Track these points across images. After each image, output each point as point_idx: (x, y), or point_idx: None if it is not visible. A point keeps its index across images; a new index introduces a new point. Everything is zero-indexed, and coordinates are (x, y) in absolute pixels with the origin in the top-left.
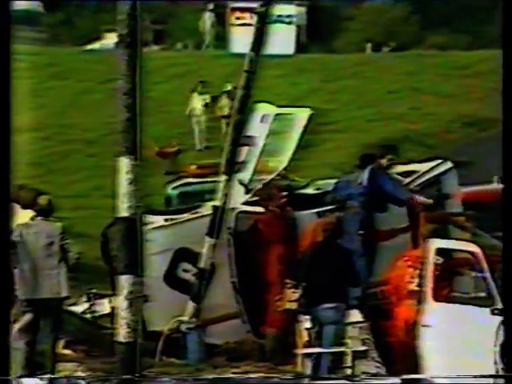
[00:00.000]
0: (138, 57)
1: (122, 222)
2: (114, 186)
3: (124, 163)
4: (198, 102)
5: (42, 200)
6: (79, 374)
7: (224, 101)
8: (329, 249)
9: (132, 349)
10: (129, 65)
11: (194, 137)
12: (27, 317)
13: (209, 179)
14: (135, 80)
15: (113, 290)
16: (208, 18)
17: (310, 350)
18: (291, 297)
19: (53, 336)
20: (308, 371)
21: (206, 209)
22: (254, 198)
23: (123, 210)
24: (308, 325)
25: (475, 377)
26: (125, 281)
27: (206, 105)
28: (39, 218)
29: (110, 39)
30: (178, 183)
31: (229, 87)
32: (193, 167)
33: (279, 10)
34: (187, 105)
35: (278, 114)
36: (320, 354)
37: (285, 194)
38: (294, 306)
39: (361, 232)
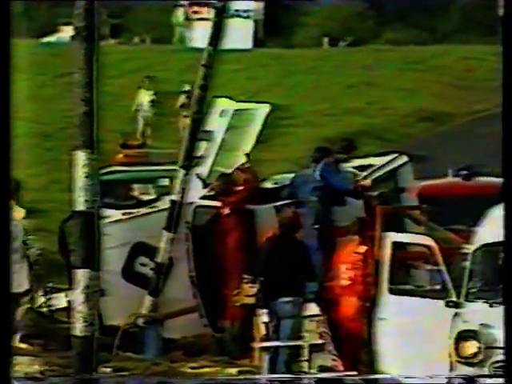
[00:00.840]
0: (94, 50)
1: (79, 216)
2: (71, 180)
3: (81, 157)
4: (144, 98)
5: None
6: (35, 368)
7: (183, 100)
8: (286, 243)
9: (88, 343)
10: (86, 58)
11: (138, 132)
12: None
13: (133, 168)
14: (92, 74)
15: (69, 284)
16: (182, 13)
17: (267, 344)
18: (249, 291)
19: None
20: (265, 365)
21: (164, 203)
22: (212, 193)
23: (80, 204)
24: (265, 319)
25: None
26: (81, 275)
27: (152, 101)
28: None
29: (67, 32)
30: (103, 171)
31: (187, 87)
32: (119, 156)
33: (237, 4)
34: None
35: (236, 110)
36: (277, 347)
37: (242, 188)
38: (251, 300)
39: (317, 226)
